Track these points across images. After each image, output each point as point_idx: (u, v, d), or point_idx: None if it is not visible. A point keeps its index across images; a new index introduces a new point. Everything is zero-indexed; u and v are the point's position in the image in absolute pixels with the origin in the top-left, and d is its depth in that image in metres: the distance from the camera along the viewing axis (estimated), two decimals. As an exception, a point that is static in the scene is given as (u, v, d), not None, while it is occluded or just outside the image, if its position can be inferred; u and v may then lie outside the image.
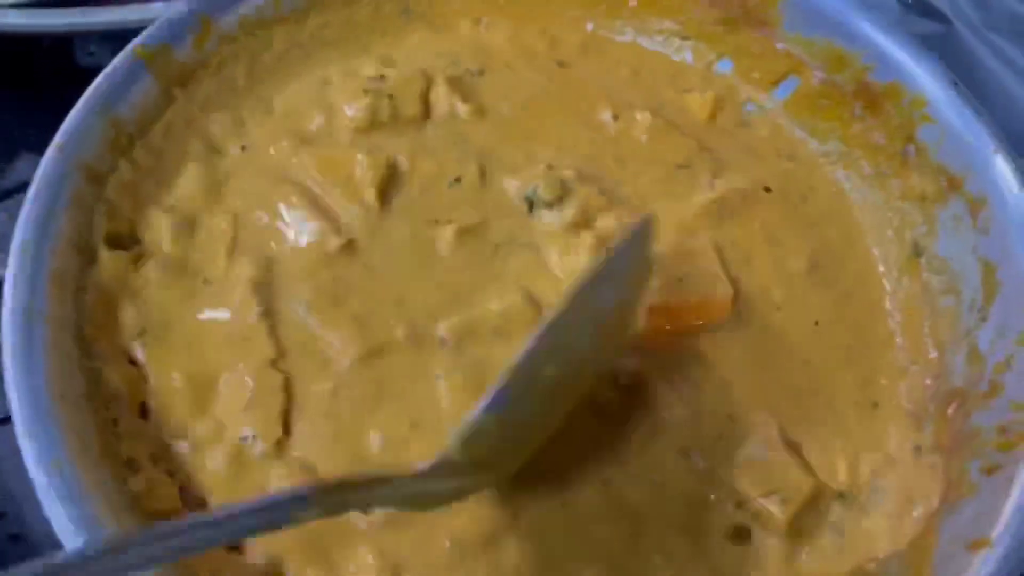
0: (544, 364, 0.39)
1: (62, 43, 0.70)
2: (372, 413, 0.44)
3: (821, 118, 0.56)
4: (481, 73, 0.56)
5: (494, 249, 0.50)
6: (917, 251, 0.52)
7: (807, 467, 0.45)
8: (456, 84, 0.55)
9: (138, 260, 0.48)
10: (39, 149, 0.46)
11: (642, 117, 0.55)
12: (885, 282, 0.52)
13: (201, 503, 0.43)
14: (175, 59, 0.51)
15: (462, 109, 0.54)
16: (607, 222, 0.50)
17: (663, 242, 0.49)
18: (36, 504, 0.51)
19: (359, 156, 0.51)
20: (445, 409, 0.45)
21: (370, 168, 0.50)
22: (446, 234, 0.49)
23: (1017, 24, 0.73)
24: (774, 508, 0.43)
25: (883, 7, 0.72)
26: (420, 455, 0.40)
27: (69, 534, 0.37)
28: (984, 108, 0.51)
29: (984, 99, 0.55)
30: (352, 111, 0.53)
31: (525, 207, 0.51)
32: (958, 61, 0.70)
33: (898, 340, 0.50)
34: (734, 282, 0.50)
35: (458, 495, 0.41)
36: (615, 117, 0.55)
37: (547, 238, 0.50)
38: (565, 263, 0.49)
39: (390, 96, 0.54)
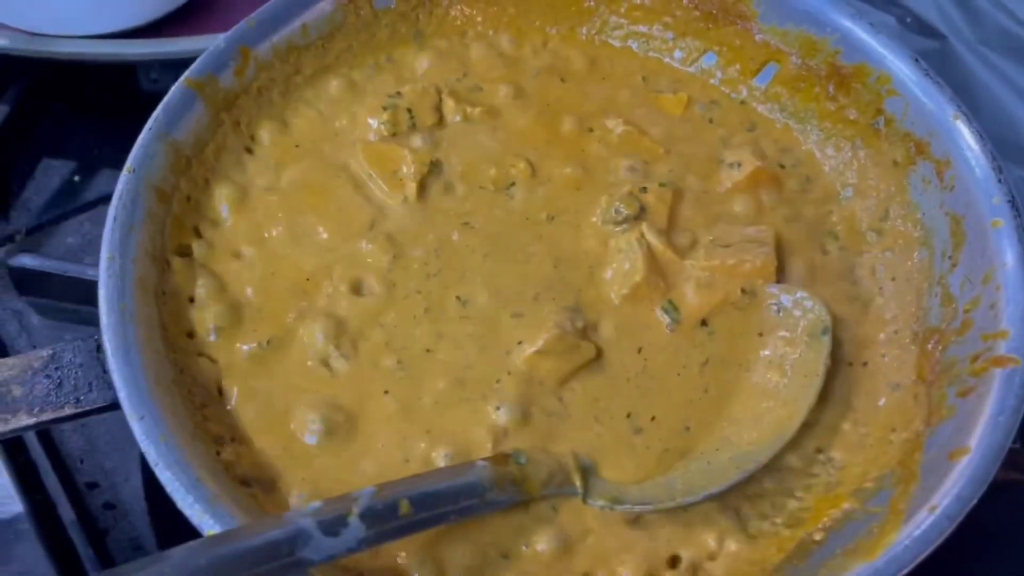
0: None
1: (127, 70, 0.74)
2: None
3: (800, 100, 0.62)
4: (480, 89, 0.63)
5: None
6: (891, 213, 0.58)
7: None
8: (460, 98, 0.61)
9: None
10: (114, 165, 0.51)
11: (614, 125, 0.61)
12: (865, 242, 0.58)
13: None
14: (221, 87, 0.57)
15: (471, 116, 0.60)
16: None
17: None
18: (126, 477, 0.59)
19: (405, 152, 0.58)
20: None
21: (414, 163, 0.57)
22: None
23: (1009, 40, 0.77)
24: None
25: (882, 24, 0.76)
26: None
27: (180, 495, 0.42)
28: (974, 115, 0.55)
29: (978, 111, 0.58)
30: (376, 123, 0.60)
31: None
32: (953, 76, 0.74)
33: (879, 299, 0.56)
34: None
35: None
36: (590, 130, 0.61)
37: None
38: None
39: (409, 109, 0.60)
